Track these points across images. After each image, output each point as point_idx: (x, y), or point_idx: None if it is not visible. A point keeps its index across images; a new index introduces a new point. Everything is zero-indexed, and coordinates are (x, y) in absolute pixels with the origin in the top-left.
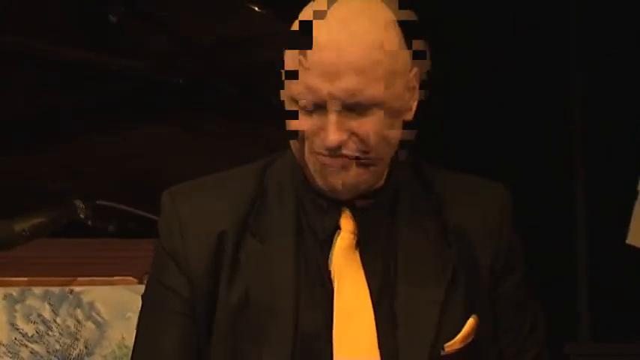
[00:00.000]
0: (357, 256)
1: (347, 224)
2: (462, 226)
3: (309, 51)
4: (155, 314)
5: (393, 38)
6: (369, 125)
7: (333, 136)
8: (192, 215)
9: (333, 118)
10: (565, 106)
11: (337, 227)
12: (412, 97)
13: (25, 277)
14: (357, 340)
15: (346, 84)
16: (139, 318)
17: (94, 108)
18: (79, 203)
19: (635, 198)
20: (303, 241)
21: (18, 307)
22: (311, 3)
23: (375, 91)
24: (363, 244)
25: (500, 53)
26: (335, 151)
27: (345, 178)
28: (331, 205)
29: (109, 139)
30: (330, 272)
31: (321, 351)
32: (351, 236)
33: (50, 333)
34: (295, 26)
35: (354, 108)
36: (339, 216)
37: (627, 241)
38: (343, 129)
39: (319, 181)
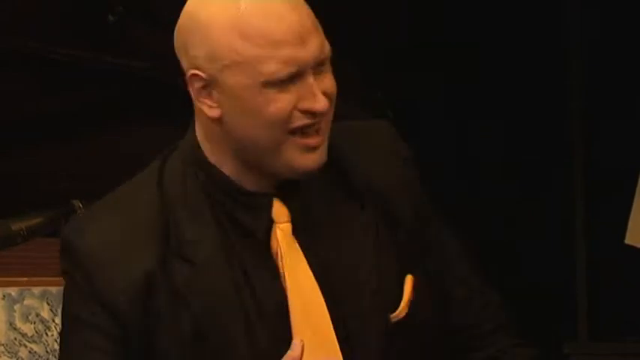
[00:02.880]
0: (296, 242)
1: (281, 214)
2: (367, 181)
3: (267, 27)
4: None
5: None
6: (331, 84)
7: (322, 100)
8: (110, 251)
9: (313, 81)
10: (565, 101)
11: (270, 221)
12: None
13: (23, 277)
14: (315, 329)
15: (314, 43)
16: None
17: (93, 108)
18: (77, 203)
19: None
20: (231, 245)
21: (17, 307)
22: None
23: (327, 45)
24: (298, 229)
25: (500, 51)
26: (318, 118)
27: (320, 155)
28: (259, 199)
29: (108, 139)
30: (274, 264)
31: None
32: (289, 225)
33: (49, 333)
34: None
35: (319, 69)
36: (269, 208)
37: (626, 241)
38: (322, 92)
39: (297, 163)
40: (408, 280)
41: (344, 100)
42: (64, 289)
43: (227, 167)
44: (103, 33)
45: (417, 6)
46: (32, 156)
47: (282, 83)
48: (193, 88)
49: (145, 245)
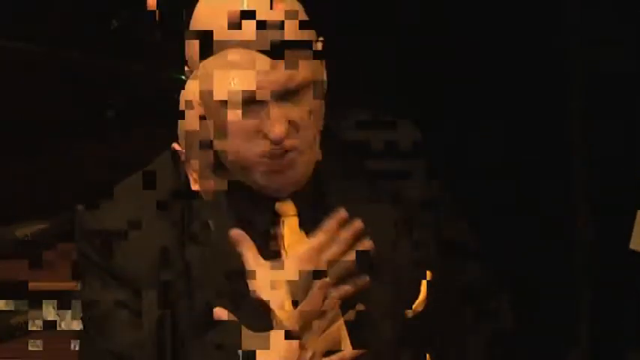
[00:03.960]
0: (304, 236)
1: (288, 209)
2: (390, 175)
3: (232, 48)
4: (102, 327)
5: (302, 12)
6: (304, 112)
7: (279, 128)
8: (125, 227)
9: (274, 108)
10: (565, 105)
11: (274, 216)
12: (322, 69)
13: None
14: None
15: (280, 72)
16: (80, 343)
17: (98, 114)
18: (82, 208)
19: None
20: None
21: None
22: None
23: (304, 75)
24: (304, 228)
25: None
26: (280, 144)
27: (290, 177)
28: (264, 198)
29: (110, 144)
30: (278, 255)
31: None
32: (295, 219)
33: None
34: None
35: (288, 96)
36: (273, 206)
37: (631, 247)
38: (284, 119)
39: (263, 183)
40: (426, 277)
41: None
42: (81, 274)
43: (236, 172)
44: (105, 38)
45: (416, 6)
46: (37, 163)
47: (244, 105)
48: None
49: (160, 224)
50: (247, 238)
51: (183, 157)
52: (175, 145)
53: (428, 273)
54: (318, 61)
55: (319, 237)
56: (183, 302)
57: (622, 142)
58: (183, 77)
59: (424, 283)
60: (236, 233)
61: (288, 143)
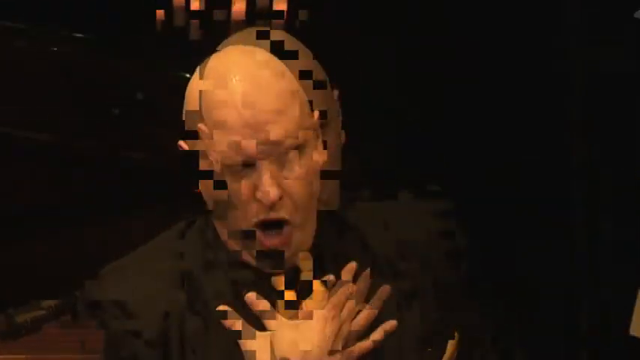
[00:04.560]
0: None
1: (281, 283)
2: (391, 255)
3: (223, 113)
4: None
5: (293, 80)
6: (297, 181)
7: (272, 191)
8: (132, 296)
9: (265, 172)
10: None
11: (271, 290)
12: (319, 139)
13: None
14: None
15: (269, 135)
16: None
17: (103, 197)
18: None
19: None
20: (244, 309)
21: None
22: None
23: (294, 136)
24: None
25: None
26: (273, 211)
27: (287, 256)
28: (258, 274)
29: (113, 228)
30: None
31: None
32: (293, 294)
33: None
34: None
35: (280, 158)
36: (269, 280)
37: (630, 332)
38: (276, 184)
39: (257, 264)
40: (449, 347)
41: None
42: (105, 344)
43: (230, 240)
44: (108, 125)
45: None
46: (39, 245)
47: (236, 168)
48: None
49: (162, 292)
50: (263, 300)
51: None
52: (182, 143)
53: (449, 343)
54: (311, 120)
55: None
56: None
57: (622, 142)
58: (187, 75)
59: (448, 352)
60: (250, 296)
61: (281, 215)
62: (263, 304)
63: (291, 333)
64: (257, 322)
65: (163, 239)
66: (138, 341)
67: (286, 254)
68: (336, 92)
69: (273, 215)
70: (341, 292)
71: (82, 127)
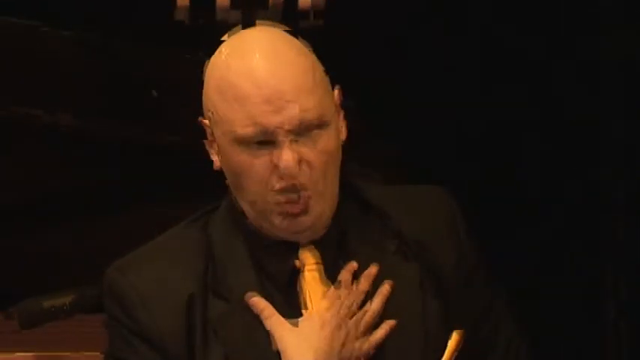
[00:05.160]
0: (326, 287)
1: (309, 257)
2: (418, 237)
3: (243, 88)
4: None
5: (314, 59)
6: (317, 151)
7: (287, 156)
8: (151, 286)
9: (284, 144)
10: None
11: (294, 267)
12: (339, 117)
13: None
14: None
15: (291, 111)
16: None
17: (131, 183)
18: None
19: None
20: (268, 292)
21: None
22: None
23: (315, 113)
24: (328, 276)
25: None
26: (291, 179)
27: (307, 221)
28: (285, 245)
29: (139, 215)
30: (300, 309)
31: None
32: (319, 267)
33: None
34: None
35: (301, 134)
36: (295, 254)
37: None
38: (295, 152)
39: (280, 228)
40: (454, 336)
41: None
42: (109, 333)
43: (250, 216)
44: (137, 108)
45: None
46: (63, 233)
47: (255, 144)
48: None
49: (184, 280)
50: (267, 304)
51: (209, 132)
52: (202, 120)
53: (455, 332)
54: (334, 103)
55: (337, 293)
56: (200, 355)
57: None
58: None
59: (452, 341)
60: (255, 301)
61: (301, 180)
62: (264, 305)
63: (295, 339)
64: (281, 308)
65: (187, 225)
66: (155, 332)
67: (306, 220)
68: (337, 88)
69: (291, 182)
70: (350, 298)
71: (120, 112)
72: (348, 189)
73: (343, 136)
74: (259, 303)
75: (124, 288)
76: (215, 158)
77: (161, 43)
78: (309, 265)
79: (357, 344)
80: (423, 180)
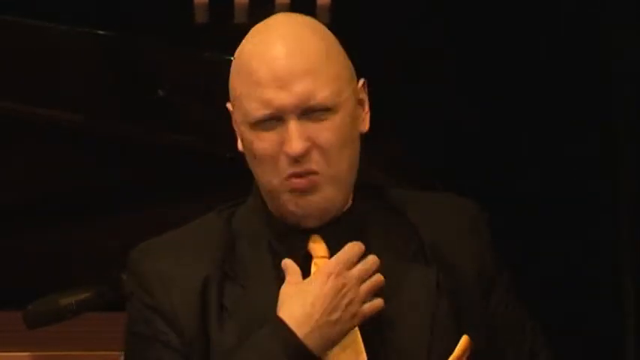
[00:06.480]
0: None
1: (318, 249)
2: (438, 242)
3: (255, 67)
4: None
5: (334, 44)
6: (327, 132)
7: (296, 143)
8: (170, 267)
9: (293, 125)
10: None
11: (307, 255)
12: (362, 109)
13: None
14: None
15: (299, 88)
16: None
17: (143, 182)
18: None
19: None
20: (283, 279)
21: None
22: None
23: (326, 94)
24: None
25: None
26: (300, 164)
27: (315, 200)
28: (297, 233)
29: (156, 213)
30: None
31: None
32: (325, 260)
33: None
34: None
35: (310, 115)
36: (306, 243)
37: None
38: (304, 137)
39: (290, 207)
40: (462, 341)
41: None
42: (128, 311)
43: (268, 202)
44: (150, 107)
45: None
46: (80, 231)
47: (265, 124)
48: None
49: (202, 264)
50: (296, 271)
51: (233, 118)
52: (229, 105)
53: (465, 336)
54: (353, 91)
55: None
56: (216, 339)
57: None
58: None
59: (460, 345)
60: (287, 262)
61: (308, 166)
62: (292, 271)
63: (291, 290)
64: None
65: (215, 214)
66: (169, 309)
67: (315, 200)
68: (362, 80)
69: (300, 168)
70: (349, 250)
71: (126, 111)
72: (370, 189)
73: (364, 128)
74: (291, 266)
75: (144, 268)
76: (239, 142)
77: (167, 42)
78: (317, 257)
79: (353, 307)
80: (423, 180)
